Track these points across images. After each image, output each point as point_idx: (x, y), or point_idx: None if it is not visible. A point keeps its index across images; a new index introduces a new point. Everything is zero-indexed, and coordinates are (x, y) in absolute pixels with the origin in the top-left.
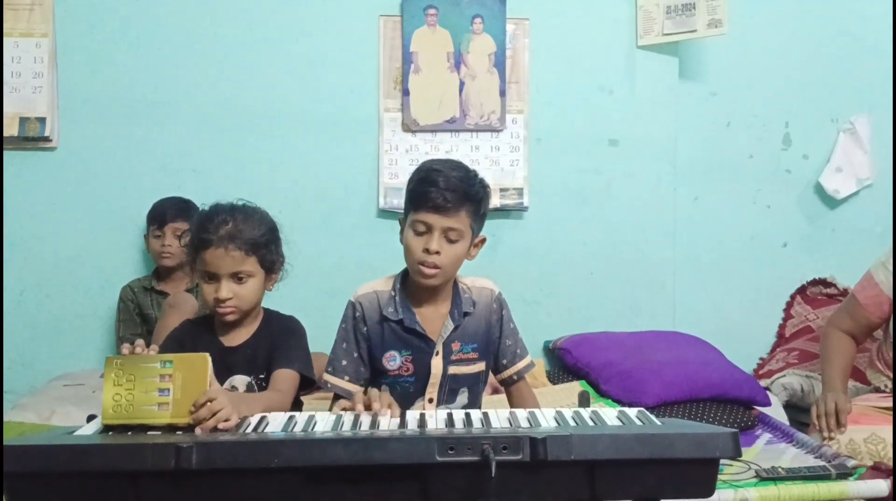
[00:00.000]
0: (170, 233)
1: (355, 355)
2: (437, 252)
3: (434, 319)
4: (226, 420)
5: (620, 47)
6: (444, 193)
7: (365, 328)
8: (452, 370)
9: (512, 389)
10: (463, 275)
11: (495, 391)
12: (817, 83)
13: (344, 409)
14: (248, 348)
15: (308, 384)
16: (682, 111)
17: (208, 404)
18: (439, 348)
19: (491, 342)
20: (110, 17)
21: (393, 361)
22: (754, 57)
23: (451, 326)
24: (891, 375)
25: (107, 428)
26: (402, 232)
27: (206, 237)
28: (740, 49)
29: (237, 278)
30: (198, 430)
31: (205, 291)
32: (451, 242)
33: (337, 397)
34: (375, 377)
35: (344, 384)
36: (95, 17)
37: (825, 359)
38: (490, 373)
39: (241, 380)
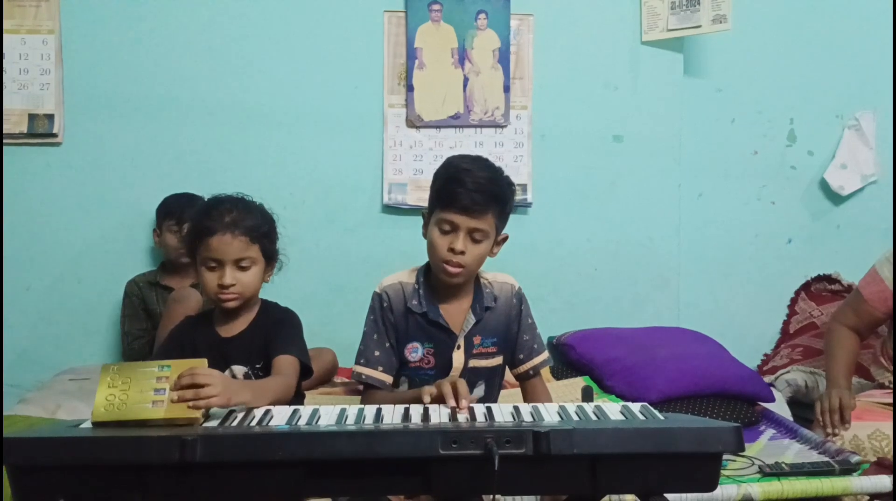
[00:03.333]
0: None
1: (387, 345)
2: (462, 252)
3: (456, 313)
4: (209, 397)
5: (625, 43)
6: (472, 194)
7: (392, 318)
8: (472, 363)
9: (527, 384)
10: (484, 270)
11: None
12: (822, 80)
13: (430, 394)
14: (244, 338)
15: (306, 373)
16: (687, 107)
17: (192, 375)
18: (461, 341)
19: (510, 337)
20: (116, 14)
21: (415, 352)
22: (759, 53)
23: (472, 320)
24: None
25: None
26: (425, 226)
27: (212, 225)
28: (745, 45)
29: (240, 265)
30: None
31: (207, 278)
32: (475, 242)
33: (368, 387)
34: (398, 367)
35: (378, 374)
36: (101, 13)
37: (829, 355)
38: (505, 371)
39: (238, 370)
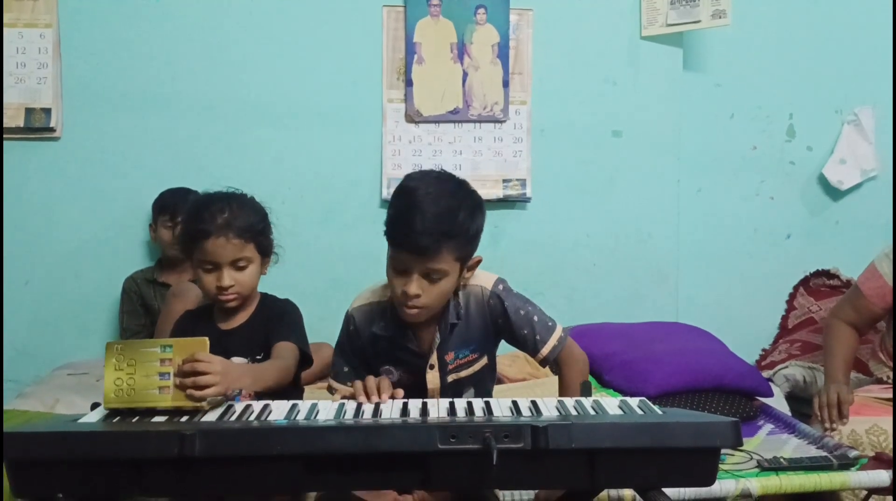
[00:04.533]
0: None
1: (355, 364)
2: (418, 295)
3: (427, 333)
4: (208, 386)
5: (624, 38)
6: (421, 237)
7: (360, 343)
8: (452, 378)
9: (554, 366)
10: None
11: (498, 382)
12: (821, 74)
13: (344, 397)
14: (245, 330)
15: (306, 362)
16: (686, 102)
17: (193, 363)
18: (433, 360)
19: (495, 335)
20: (114, 8)
21: (390, 375)
22: (758, 48)
23: (438, 340)
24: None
25: (112, 413)
26: (387, 262)
27: (205, 228)
28: (744, 40)
29: (237, 265)
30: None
31: (205, 281)
32: (432, 282)
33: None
34: None
35: (347, 389)
36: (99, 7)
37: (828, 351)
38: (496, 364)
39: (239, 361)
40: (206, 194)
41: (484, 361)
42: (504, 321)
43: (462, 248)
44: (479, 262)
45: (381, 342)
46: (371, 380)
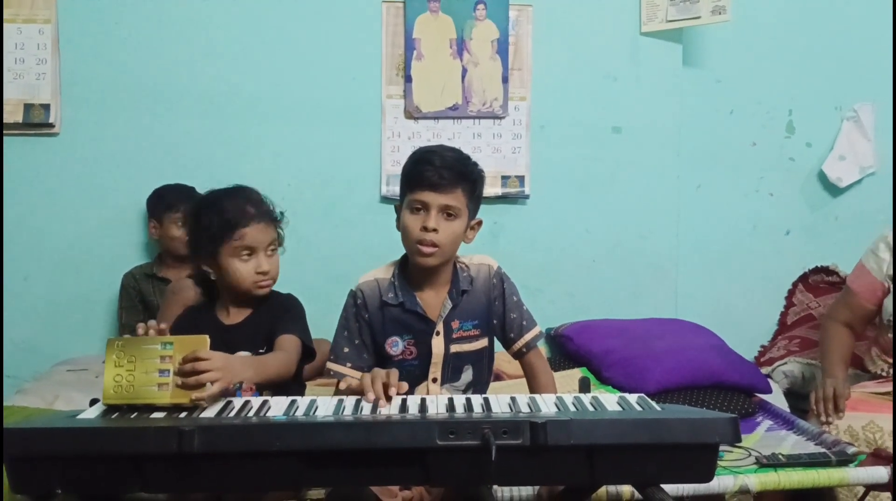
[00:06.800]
0: None
1: (356, 342)
2: (435, 229)
3: (434, 300)
4: (210, 382)
5: (624, 34)
6: (441, 170)
7: (367, 315)
8: (455, 348)
9: (524, 361)
10: (460, 254)
11: (496, 378)
12: (821, 71)
13: (349, 386)
14: (249, 325)
15: (308, 356)
16: (686, 98)
17: (193, 362)
18: (440, 327)
19: (493, 318)
20: (112, 3)
21: (395, 346)
22: (758, 44)
23: (449, 305)
24: (889, 360)
25: (111, 409)
26: (398, 219)
27: (243, 214)
28: (744, 36)
29: (269, 251)
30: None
31: (242, 269)
32: (448, 218)
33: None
34: (381, 363)
35: (346, 370)
36: (97, 2)
37: (824, 351)
38: (494, 352)
39: (243, 355)
40: (222, 188)
41: (485, 342)
42: (500, 302)
43: (472, 195)
44: (480, 223)
45: (389, 311)
46: (378, 373)
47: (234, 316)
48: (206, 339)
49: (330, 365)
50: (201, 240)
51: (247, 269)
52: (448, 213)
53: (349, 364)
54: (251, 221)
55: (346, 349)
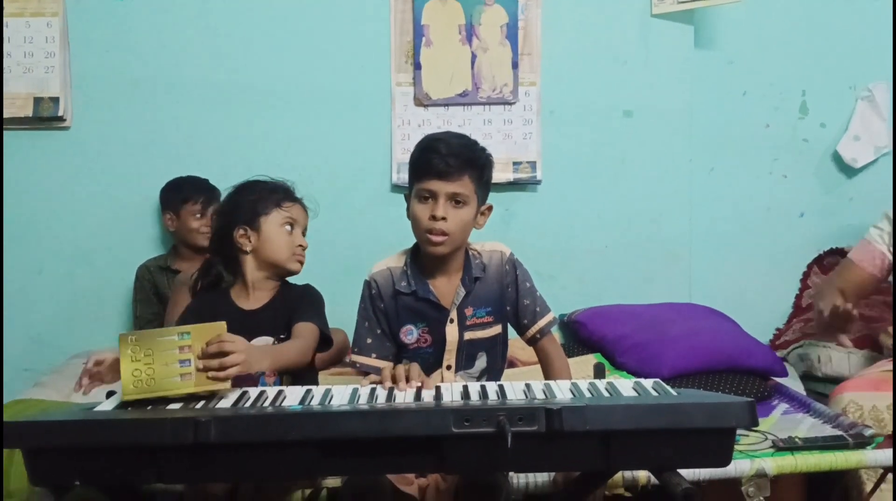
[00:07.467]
0: (211, 212)
1: (378, 331)
2: (444, 218)
3: (447, 288)
4: (234, 365)
5: (634, 16)
6: (447, 158)
7: (382, 305)
8: (468, 335)
9: (538, 347)
10: (472, 241)
11: (510, 365)
12: (834, 50)
13: (373, 382)
14: (268, 310)
15: (326, 343)
16: (698, 81)
17: (220, 343)
18: (453, 315)
19: (506, 304)
20: None
21: (410, 334)
22: (771, 24)
23: (462, 292)
24: None
25: (125, 405)
26: (408, 208)
27: (295, 194)
28: (756, 16)
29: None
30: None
31: (284, 238)
32: (457, 206)
33: (366, 375)
34: (396, 352)
35: (371, 361)
36: None
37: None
38: (508, 339)
39: (264, 341)
40: (264, 176)
41: (498, 329)
42: (513, 289)
43: (480, 181)
44: (490, 208)
45: (402, 300)
46: (399, 368)
47: (254, 301)
48: (224, 325)
49: (355, 358)
50: (243, 206)
51: (288, 240)
52: (456, 200)
53: (374, 355)
54: (298, 201)
55: (370, 340)
